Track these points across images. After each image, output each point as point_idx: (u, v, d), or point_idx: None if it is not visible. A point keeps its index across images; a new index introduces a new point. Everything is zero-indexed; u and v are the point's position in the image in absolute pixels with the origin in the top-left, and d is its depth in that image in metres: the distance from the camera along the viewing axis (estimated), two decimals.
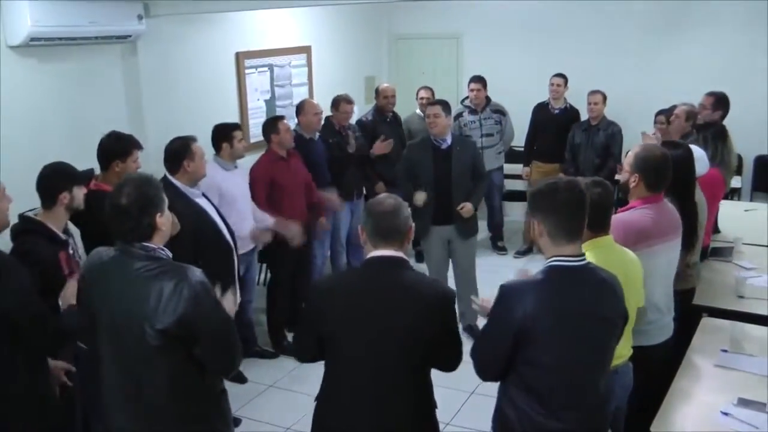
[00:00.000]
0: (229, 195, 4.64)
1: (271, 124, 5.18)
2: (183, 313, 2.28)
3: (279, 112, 6.56)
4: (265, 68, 6.62)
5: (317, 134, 5.68)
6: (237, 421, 4.28)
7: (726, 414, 2.80)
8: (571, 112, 7.06)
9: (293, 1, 5.26)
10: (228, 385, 2.73)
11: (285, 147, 5.14)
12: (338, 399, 2.51)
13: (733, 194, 6.78)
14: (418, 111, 6.91)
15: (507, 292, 2.37)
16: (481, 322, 2.78)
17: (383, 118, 6.55)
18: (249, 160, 5.27)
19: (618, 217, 3.12)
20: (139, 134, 4.29)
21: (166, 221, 2.45)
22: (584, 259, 2.39)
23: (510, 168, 7.42)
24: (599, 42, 7.58)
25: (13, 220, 3.08)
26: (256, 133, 6.34)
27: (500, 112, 6.99)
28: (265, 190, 4.99)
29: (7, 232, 3.04)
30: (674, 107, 5.17)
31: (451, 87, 8.14)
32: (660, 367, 3.15)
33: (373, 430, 2.47)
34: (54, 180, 3.21)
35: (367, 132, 6.29)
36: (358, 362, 2.46)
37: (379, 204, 2.51)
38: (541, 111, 7.19)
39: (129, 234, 2.38)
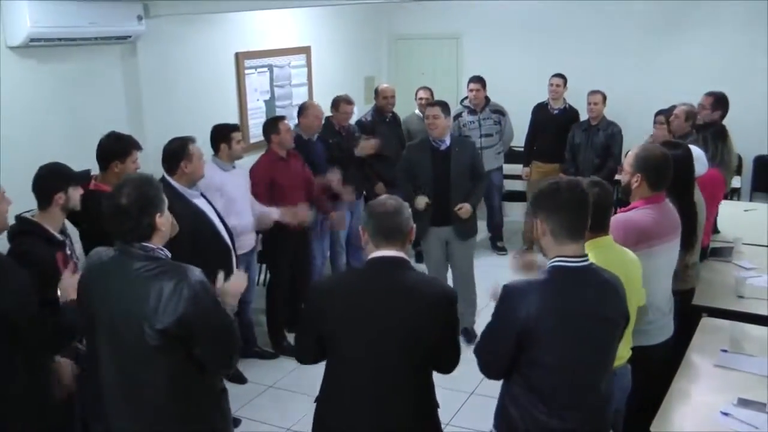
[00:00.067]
0: (228, 195, 4.64)
1: (272, 125, 5.18)
2: (183, 313, 2.28)
3: (278, 112, 6.56)
4: (265, 69, 6.63)
5: (316, 135, 5.68)
6: (237, 422, 4.28)
7: (726, 414, 2.80)
8: (570, 113, 7.06)
9: (293, 1, 5.25)
10: (228, 385, 2.73)
11: (285, 147, 5.15)
12: (339, 399, 2.51)
13: (733, 194, 6.78)
14: (417, 111, 6.90)
15: (510, 292, 2.37)
16: (479, 325, 2.78)
17: (383, 118, 6.55)
18: (249, 161, 5.28)
19: (619, 217, 3.13)
20: (138, 135, 4.29)
21: (165, 222, 2.45)
22: (587, 260, 2.39)
23: (509, 168, 7.42)
24: (599, 42, 7.58)
25: (11, 221, 3.08)
26: (255, 133, 6.35)
27: (499, 112, 6.99)
28: (266, 190, 4.99)
29: (3, 234, 3.04)
30: (674, 107, 5.17)
31: (451, 87, 8.14)
32: (660, 367, 3.15)
33: (374, 431, 2.47)
34: (49, 180, 3.22)
35: (366, 132, 6.29)
36: (359, 362, 2.46)
37: (380, 205, 2.52)
38: (540, 111, 7.19)
39: (128, 234, 2.38)
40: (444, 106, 5.08)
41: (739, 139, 5.06)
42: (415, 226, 2.56)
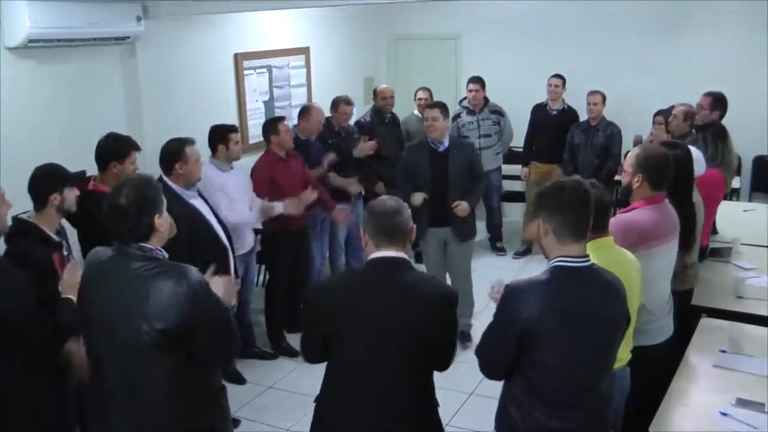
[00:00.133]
0: (228, 196, 4.64)
1: (271, 125, 5.19)
2: (183, 313, 2.28)
3: (278, 113, 6.56)
4: (264, 69, 6.63)
5: (314, 136, 5.68)
6: (236, 422, 4.28)
7: (725, 414, 2.81)
8: (569, 113, 7.05)
9: (292, 1, 5.25)
10: (227, 386, 2.73)
11: (284, 148, 5.15)
12: (339, 399, 2.52)
13: (732, 195, 6.77)
14: (416, 112, 6.90)
15: (512, 292, 2.37)
16: (475, 328, 2.78)
17: (381, 119, 6.55)
18: (249, 161, 5.28)
19: (619, 218, 3.14)
20: (137, 135, 4.29)
21: (164, 222, 2.46)
22: (589, 260, 2.40)
23: (509, 169, 7.42)
24: (598, 42, 7.58)
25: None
26: (254, 134, 6.35)
27: (498, 112, 6.99)
28: (267, 190, 5.00)
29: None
30: (673, 107, 5.17)
31: (450, 88, 8.14)
32: (659, 368, 3.15)
33: (374, 431, 2.48)
34: (44, 181, 3.21)
35: (365, 133, 6.29)
36: (359, 362, 2.46)
37: (381, 205, 2.52)
38: (539, 112, 7.19)
39: (127, 234, 2.38)
40: (443, 108, 5.08)
41: (739, 139, 5.07)
42: (415, 226, 2.57)
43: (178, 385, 2.40)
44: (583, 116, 6.89)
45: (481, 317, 4.57)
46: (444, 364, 2.57)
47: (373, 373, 2.45)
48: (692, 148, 3.83)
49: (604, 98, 6.62)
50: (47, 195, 3.18)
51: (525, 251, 7.27)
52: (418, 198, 5.00)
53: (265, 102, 6.67)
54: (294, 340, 5.20)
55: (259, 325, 5.40)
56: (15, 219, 3.16)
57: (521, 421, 2.40)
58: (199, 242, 3.86)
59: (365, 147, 6.00)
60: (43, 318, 2.76)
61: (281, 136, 5.10)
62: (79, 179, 3.42)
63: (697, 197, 3.66)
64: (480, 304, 5.17)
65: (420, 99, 6.87)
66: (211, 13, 5.61)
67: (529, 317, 2.28)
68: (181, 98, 5.55)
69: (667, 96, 5.88)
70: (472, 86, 6.84)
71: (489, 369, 2.50)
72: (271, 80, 6.73)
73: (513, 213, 8.09)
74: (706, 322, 3.65)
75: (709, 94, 4.94)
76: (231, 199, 4.66)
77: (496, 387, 2.55)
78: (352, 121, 6.24)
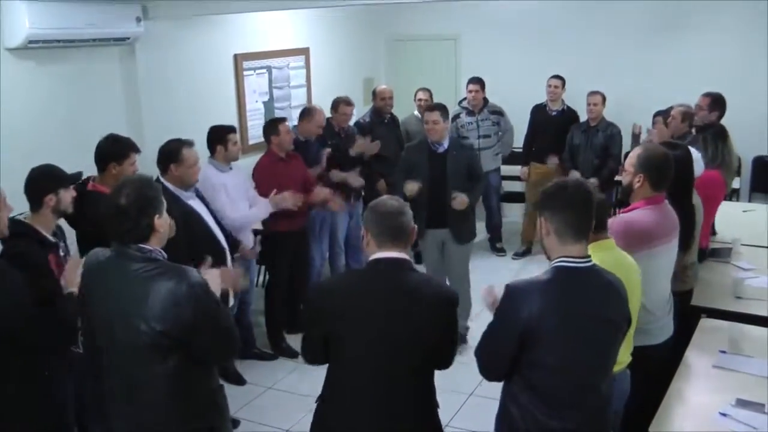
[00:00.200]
0: (228, 196, 4.66)
1: (272, 126, 5.19)
2: (183, 315, 2.29)
3: (277, 113, 6.57)
4: (264, 70, 6.63)
5: (313, 137, 5.68)
6: (236, 423, 4.28)
7: (724, 415, 2.81)
8: (568, 114, 7.05)
9: (291, 2, 5.26)
10: (227, 386, 2.73)
11: (284, 149, 5.15)
12: (340, 400, 2.51)
13: (732, 195, 6.77)
14: (416, 112, 6.90)
15: (513, 292, 2.37)
16: (473, 330, 2.78)
17: (381, 119, 6.55)
18: (249, 162, 5.28)
19: (620, 218, 3.14)
20: (137, 136, 4.29)
21: (164, 223, 2.45)
22: (590, 261, 2.39)
23: (508, 169, 7.41)
24: (598, 43, 7.58)
25: None
26: (254, 134, 6.36)
27: (498, 112, 6.99)
28: (269, 190, 4.99)
29: None
30: (671, 108, 5.17)
31: (449, 88, 8.13)
32: (659, 368, 3.15)
33: (375, 431, 2.48)
34: (40, 182, 3.21)
35: (364, 133, 6.29)
36: (360, 363, 2.46)
37: (383, 204, 2.51)
38: (539, 112, 7.18)
39: (126, 235, 2.38)
40: (443, 111, 5.06)
41: (738, 139, 5.05)
42: (416, 226, 2.56)
43: (177, 385, 2.40)
44: (582, 117, 6.89)
45: (479, 320, 4.55)
46: (445, 363, 2.57)
47: (374, 373, 2.44)
48: (691, 149, 3.83)
49: (604, 99, 6.62)
50: (42, 196, 3.17)
51: (525, 252, 7.27)
52: (413, 187, 4.97)
53: (264, 103, 6.67)
54: (294, 341, 5.21)
55: (258, 326, 5.40)
56: (11, 220, 3.16)
57: (521, 420, 2.40)
58: (196, 243, 3.86)
59: (368, 147, 6.01)
60: (42, 317, 2.76)
61: (281, 136, 5.11)
62: (75, 180, 3.41)
63: (695, 198, 3.66)
64: (478, 306, 5.15)
65: (420, 100, 6.87)
66: (211, 14, 5.62)
67: (530, 317, 2.28)
68: (181, 99, 5.55)
69: (667, 96, 5.87)
70: (471, 87, 6.84)
71: (488, 370, 2.50)
72: (270, 81, 6.73)
73: (512, 213, 8.09)
74: (705, 322, 3.65)
75: (707, 95, 4.93)
76: (232, 198, 4.67)
77: (496, 388, 2.55)
78: (352, 122, 6.24)
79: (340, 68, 7.72)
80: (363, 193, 6.12)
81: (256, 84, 6.54)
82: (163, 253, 2.45)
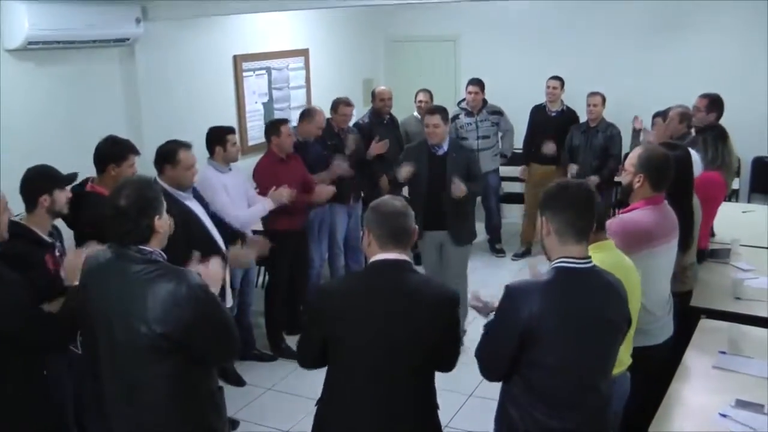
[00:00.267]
0: (229, 197, 4.66)
1: (274, 127, 5.20)
2: (183, 317, 2.28)
3: (277, 114, 6.57)
4: (263, 71, 6.64)
5: (312, 138, 5.68)
6: (235, 424, 4.28)
7: (724, 416, 2.81)
8: (568, 114, 7.05)
9: (291, 1, 5.26)
10: (226, 387, 2.74)
11: (284, 151, 5.15)
12: (340, 401, 2.51)
13: (731, 196, 6.77)
14: (415, 113, 6.91)
15: (513, 292, 2.37)
16: (469, 334, 2.78)
17: (380, 120, 6.55)
18: (249, 163, 5.28)
19: (621, 218, 3.14)
20: (136, 137, 4.30)
21: (164, 224, 2.45)
22: (590, 262, 2.40)
23: (507, 170, 7.42)
24: (598, 43, 7.59)
25: None
26: (253, 135, 6.37)
27: (497, 113, 6.99)
28: (269, 191, 4.99)
29: None
30: (670, 109, 5.17)
31: (449, 89, 8.13)
32: (659, 368, 3.15)
33: None
34: (35, 183, 3.21)
35: (363, 134, 6.29)
36: (360, 364, 2.46)
37: (386, 205, 2.49)
38: (538, 113, 7.18)
39: (126, 236, 2.38)
40: (444, 114, 5.06)
41: (738, 140, 5.05)
42: (417, 227, 2.56)
43: (177, 386, 2.40)
44: (582, 117, 6.89)
45: (476, 323, 4.51)
46: (447, 365, 2.56)
47: (374, 374, 2.44)
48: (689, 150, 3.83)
49: (603, 99, 6.61)
50: (37, 196, 3.17)
51: (524, 253, 7.27)
52: (407, 170, 4.97)
53: (264, 104, 6.68)
54: (293, 341, 5.19)
55: (258, 327, 5.40)
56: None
57: (521, 421, 2.40)
58: (194, 243, 3.85)
59: (377, 147, 6.02)
60: (41, 317, 2.76)
61: (282, 138, 5.11)
62: (70, 181, 3.41)
63: (694, 199, 3.67)
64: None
65: (421, 102, 6.86)
66: (210, 15, 5.62)
67: (530, 317, 2.28)
68: (180, 100, 5.55)
69: (667, 96, 5.86)
70: (471, 88, 6.84)
71: (489, 370, 2.50)
72: (270, 82, 6.73)
73: (512, 214, 8.09)
74: (705, 323, 3.65)
75: (704, 96, 4.92)
76: (232, 199, 4.68)
77: (496, 388, 2.55)
78: (351, 123, 6.24)
79: (339, 69, 7.72)
80: (363, 194, 6.12)
81: (255, 85, 6.54)
82: (163, 254, 2.45)
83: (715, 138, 4.49)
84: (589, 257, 2.40)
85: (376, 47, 8.64)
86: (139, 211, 2.37)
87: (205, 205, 4.29)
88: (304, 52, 7.16)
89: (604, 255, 2.68)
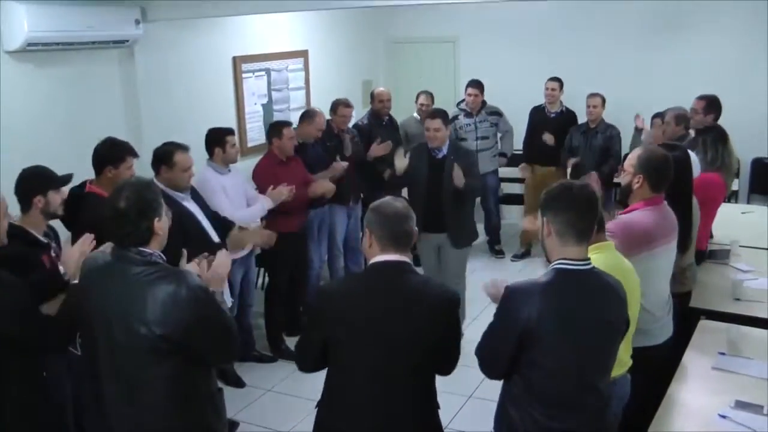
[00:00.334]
0: (229, 198, 4.67)
1: (276, 129, 5.20)
2: (183, 318, 2.28)
3: (276, 116, 6.57)
4: (263, 72, 6.63)
5: (312, 139, 5.68)
6: (235, 425, 4.28)
7: (724, 417, 2.81)
8: (567, 115, 7.05)
9: (290, 2, 5.26)
10: (226, 389, 2.74)
11: (285, 154, 5.16)
12: (340, 403, 2.51)
13: (731, 197, 6.77)
14: (415, 114, 6.91)
15: (512, 293, 2.38)
16: (466, 337, 2.77)
17: (379, 121, 6.55)
18: (249, 164, 5.28)
19: (621, 219, 3.14)
20: (135, 139, 4.31)
21: (163, 226, 2.45)
22: (590, 263, 2.40)
23: (507, 171, 7.42)
24: (597, 44, 7.59)
25: None
26: (253, 137, 6.37)
27: (496, 113, 7.00)
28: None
29: None
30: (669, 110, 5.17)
31: (448, 90, 8.14)
32: (659, 369, 3.15)
33: None
34: (29, 183, 3.20)
35: (363, 135, 6.30)
36: (360, 366, 2.46)
37: (388, 206, 2.48)
38: (537, 114, 7.19)
39: (126, 238, 2.38)
40: (445, 118, 5.05)
41: (738, 141, 5.05)
42: (417, 229, 2.56)
43: (177, 387, 2.40)
44: (581, 118, 6.89)
45: (474, 326, 4.51)
46: (447, 367, 2.56)
47: (373, 375, 2.44)
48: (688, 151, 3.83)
49: (603, 100, 6.62)
50: (31, 197, 3.17)
51: (524, 254, 7.27)
52: (402, 163, 4.96)
53: (263, 105, 6.67)
54: (293, 343, 5.16)
55: (258, 328, 5.40)
56: None
57: (520, 421, 2.40)
58: (191, 244, 3.85)
59: (378, 149, 6.02)
60: (41, 319, 2.76)
61: (283, 141, 5.11)
62: (65, 182, 3.40)
63: (693, 199, 3.67)
64: (475, 309, 5.14)
65: (422, 104, 6.87)
66: (210, 17, 5.62)
67: (529, 318, 2.28)
68: (180, 101, 5.55)
69: (667, 97, 5.86)
70: (471, 90, 6.84)
71: (489, 368, 2.50)
72: (269, 83, 6.73)
73: (511, 215, 8.10)
74: (704, 324, 3.65)
75: (702, 98, 4.90)
76: (231, 199, 4.68)
77: (496, 389, 2.55)
78: (351, 124, 6.24)
79: (338, 70, 7.72)
80: (362, 195, 6.12)
81: (255, 86, 6.54)
82: (163, 256, 2.45)
83: (715, 139, 4.49)
84: (588, 259, 2.40)
85: (375, 48, 8.64)
86: (139, 213, 2.37)
87: (203, 205, 4.29)
88: (303, 54, 7.17)
89: (603, 256, 2.68)
